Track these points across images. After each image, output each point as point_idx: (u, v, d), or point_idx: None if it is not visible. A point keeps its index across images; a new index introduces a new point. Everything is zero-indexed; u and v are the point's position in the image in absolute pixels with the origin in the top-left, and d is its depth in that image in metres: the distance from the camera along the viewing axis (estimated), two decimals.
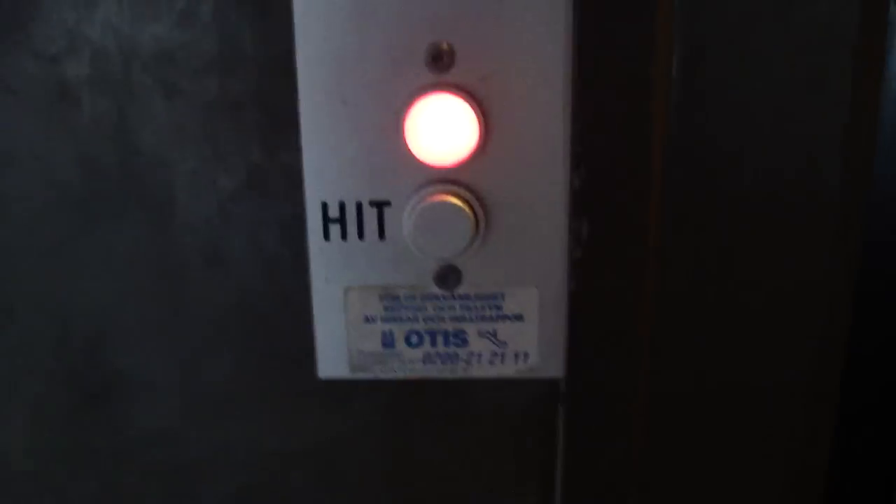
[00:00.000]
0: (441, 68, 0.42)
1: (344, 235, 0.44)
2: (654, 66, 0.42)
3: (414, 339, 0.46)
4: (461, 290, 0.45)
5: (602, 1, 0.41)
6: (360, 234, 0.44)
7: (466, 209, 0.42)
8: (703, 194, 0.44)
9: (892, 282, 0.49)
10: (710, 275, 0.45)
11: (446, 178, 0.43)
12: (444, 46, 0.41)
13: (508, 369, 0.47)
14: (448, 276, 0.45)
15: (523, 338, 0.46)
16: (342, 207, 0.44)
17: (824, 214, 0.45)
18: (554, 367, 0.46)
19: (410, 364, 0.47)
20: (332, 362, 0.47)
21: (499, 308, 0.46)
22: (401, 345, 0.46)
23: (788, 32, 0.42)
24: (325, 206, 0.44)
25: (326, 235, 0.44)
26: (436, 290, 0.45)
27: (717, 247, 0.45)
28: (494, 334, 0.46)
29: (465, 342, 0.46)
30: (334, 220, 0.44)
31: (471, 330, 0.46)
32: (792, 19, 0.42)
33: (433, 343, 0.46)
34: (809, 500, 0.50)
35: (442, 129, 0.42)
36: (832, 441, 0.50)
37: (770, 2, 0.41)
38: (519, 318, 0.46)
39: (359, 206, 0.44)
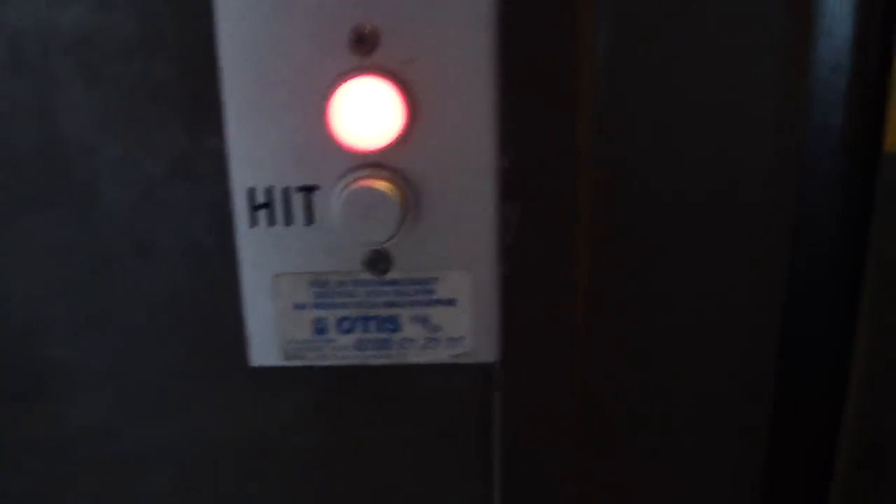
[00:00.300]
0: (365, 51, 0.41)
1: (271, 221, 0.44)
2: (579, 48, 0.41)
3: (346, 325, 0.46)
4: (392, 275, 0.45)
5: None
6: (288, 220, 0.44)
7: (394, 194, 0.41)
8: (634, 176, 0.44)
9: (822, 271, 0.49)
10: (642, 258, 0.45)
11: (374, 162, 0.42)
12: (368, 29, 0.41)
13: (442, 354, 0.46)
14: (378, 261, 0.44)
15: (456, 322, 0.46)
16: (269, 193, 0.43)
17: (755, 198, 0.45)
18: (488, 352, 0.46)
19: (343, 351, 0.46)
20: (263, 350, 0.46)
21: (431, 293, 0.45)
22: (333, 331, 0.46)
23: (716, 15, 0.42)
24: (251, 192, 0.43)
25: (254, 221, 0.44)
26: (367, 275, 0.45)
27: (648, 230, 0.45)
28: (427, 319, 0.46)
29: (397, 327, 0.46)
30: (261, 206, 0.44)
31: (403, 315, 0.46)
32: (717, 12, 0.42)
33: (365, 329, 0.46)
34: (747, 483, 0.50)
35: (367, 112, 0.41)
36: (768, 424, 0.50)
37: None
38: (451, 302, 0.45)
39: (286, 192, 0.43)
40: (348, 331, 0.46)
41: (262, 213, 0.44)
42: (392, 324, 0.46)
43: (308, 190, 0.43)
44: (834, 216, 0.48)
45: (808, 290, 0.49)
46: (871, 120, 0.46)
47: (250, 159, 0.43)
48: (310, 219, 0.44)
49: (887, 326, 0.49)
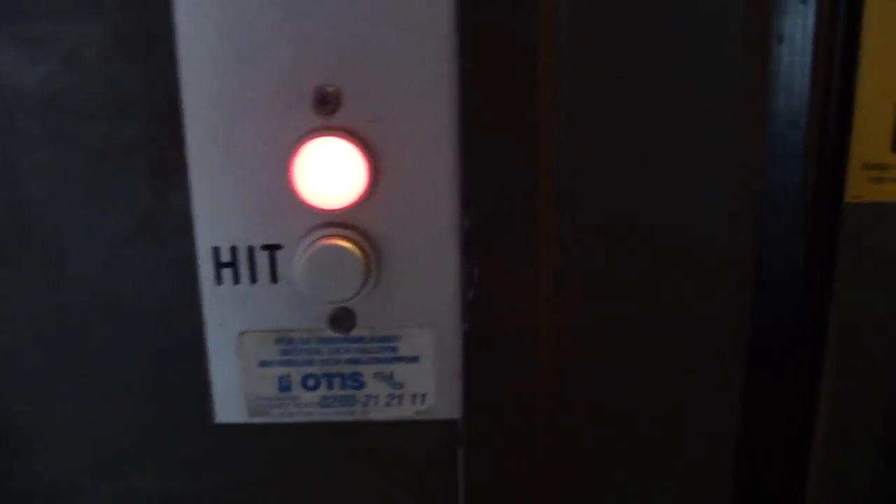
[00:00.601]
0: (328, 111, 0.42)
1: (236, 279, 0.44)
2: (540, 109, 0.42)
3: (310, 382, 0.46)
4: (356, 332, 0.45)
5: (486, 43, 0.41)
6: (253, 278, 0.44)
7: (356, 252, 0.42)
8: (592, 230, 0.44)
9: (785, 322, 0.49)
10: (603, 312, 0.46)
11: (337, 220, 0.43)
12: (331, 90, 0.41)
13: (406, 411, 0.46)
14: (342, 318, 0.45)
15: (420, 379, 0.46)
16: (234, 251, 0.44)
17: (715, 252, 0.45)
18: (451, 408, 0.46)
19: (308, 407, 0.46)
20: (229, 407, 0.46)
21: (394, 350, 0.45)
22: (297, 388, 0.46)
23: (674, 70, 0.43)
24: (216, 251, 0.44)
25: (219, 279, 0.44)
26: (331, 332, 0.45)
27: (611, 287, 0.45)
28: (391, 376, 0.46)
29: (361, 384, 0.46)
30: (226, 265, 0.44)
31: (367, 372, 0.46)
32: (675, 67, 0.42)
33: (330, 386, 0.46)
34: None
35: (330, 172, 0.42)
36: (735, 466, 0.50)
37: (650, 44, 0.42)
38: (415, 359, 0.45)
39: (250, 250, 0.44)
40: (313, 388, 0.46)
41: (227, 272, 0.44)
42: (356, 381, 0.46)
43: (272, 248, 0.43)
44: (795, 268, 0.48)
45: (771, 342, 0.49)
46: (832, 171, 0.46)
47: (215, 218, 0.43)
48: (274, 277, 0.44)
49: (851, 375, 0.49)
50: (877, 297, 0.48)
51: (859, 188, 0.47)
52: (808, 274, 0.49)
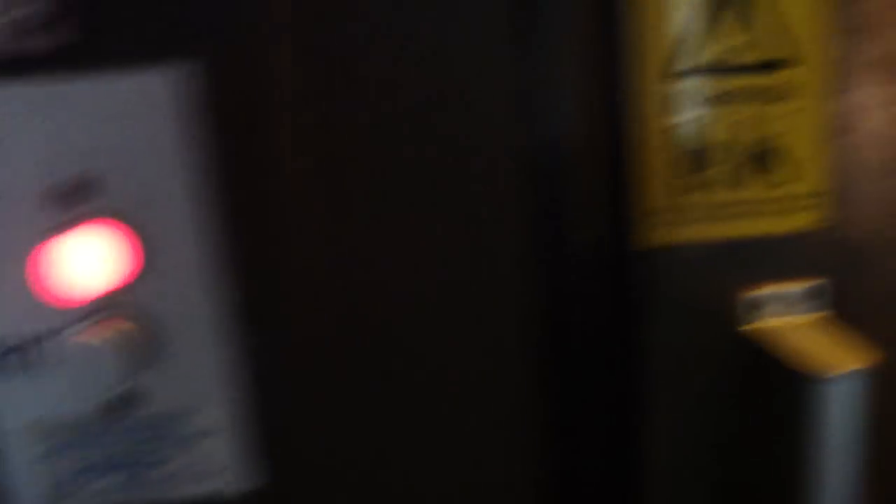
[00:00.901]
0: (85, 199, 0.42)
1: (14, 371, 0.44)
2: (288, 175, 0.42)
3: (103, 468, 0.46)
4: (148, 411, 0.45)
5: (222, 115, 0.42)
6: (25, 370, 0.44)
7: (119, 342, 0.42)
8: (368, 297, 0.45)
9: (589, 382, 0.50)
10: (391, 367, 0.46)
11: (106, 306, 0.43)
12: (86, 177, 0.41)
13: (204, 486, 0.46)
14: (128, 401, 0.45)
15: (216, 453, 0.46)
16: (5, 342, 0.44)
17: (506, 319, 0.46)
18: (249, 480, 0.46)
19: (105, 493, 0.46)
20: (23, 501, 0.46)
21: (185, 426, 0.45)
22: (92, 474, 0.46)
23: (431, 107, 0.43)
24: None
25: None
26: (117, 416, 0.45)
27: (394, 341, 0.45)
28: (186, 453, 0.46)
29: (156, 464, 0.46)
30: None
31: (162, 451, 0.46)
32: (442, 134, 0.43)
33: (123, 470, 0.46)
34: None
35: (92, 259, 0.42)
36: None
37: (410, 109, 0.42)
38: (207, 434, 0.45)
39: (18, 343, 0.43)
40: (109, 472, 0.46)
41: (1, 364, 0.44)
42: (153, 461, 0.46)
43: (41, 339, 0.43)
44: (599, 324, 0.48)
45: (584, 403, 0.49)
46: (616, 221, 0.47)
47: None
48: (45, 368, 0.44)
49: (675, 421, 0.49)
50: (683, 339, 0.49)
51: (646, 235, 0.47)
52: (612, 327, 0.49)
